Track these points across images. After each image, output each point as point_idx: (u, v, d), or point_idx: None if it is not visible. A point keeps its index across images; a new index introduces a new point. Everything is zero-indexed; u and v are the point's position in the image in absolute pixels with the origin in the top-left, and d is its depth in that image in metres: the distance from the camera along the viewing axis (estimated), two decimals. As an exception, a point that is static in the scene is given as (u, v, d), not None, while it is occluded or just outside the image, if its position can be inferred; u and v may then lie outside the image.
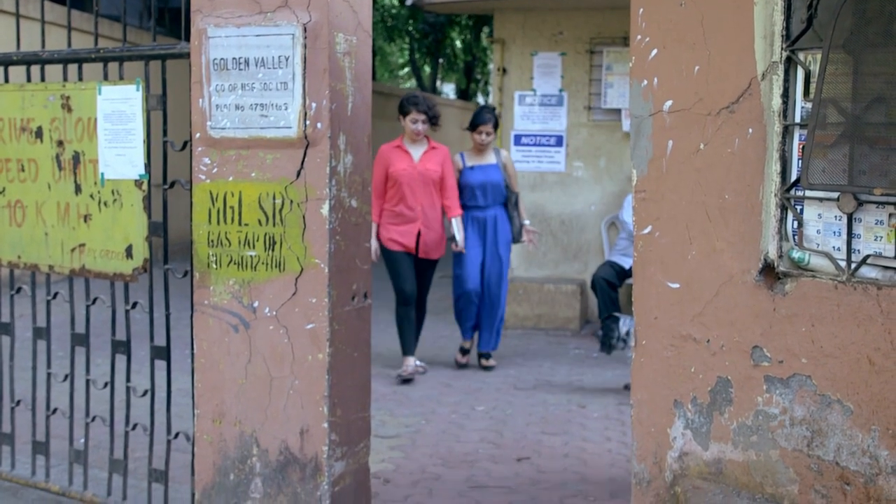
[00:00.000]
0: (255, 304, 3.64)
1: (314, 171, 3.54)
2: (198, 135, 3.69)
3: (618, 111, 9.34)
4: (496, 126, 7.67)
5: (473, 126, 7.62)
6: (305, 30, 3.49)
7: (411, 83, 31.02)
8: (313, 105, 3.51)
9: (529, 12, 9.49)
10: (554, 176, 9.56)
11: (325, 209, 3.54)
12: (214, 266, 3.69)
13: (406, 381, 7.17)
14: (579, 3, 9.11)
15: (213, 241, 3.69)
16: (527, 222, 7.87)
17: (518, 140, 9.53)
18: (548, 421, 6.02)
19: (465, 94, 28.95)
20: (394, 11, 22.89)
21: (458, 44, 26.78)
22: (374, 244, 7.09)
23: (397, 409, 6.30)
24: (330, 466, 3.61)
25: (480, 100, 30.41)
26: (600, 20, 9.35)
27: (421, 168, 7.29)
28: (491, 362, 7.74)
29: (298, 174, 3.56)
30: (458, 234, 7.42)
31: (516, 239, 7.77)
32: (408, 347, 7.41)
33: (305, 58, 3.49)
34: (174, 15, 13.10)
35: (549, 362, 7.85)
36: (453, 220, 7.45)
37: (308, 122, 3.52)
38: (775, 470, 2.78)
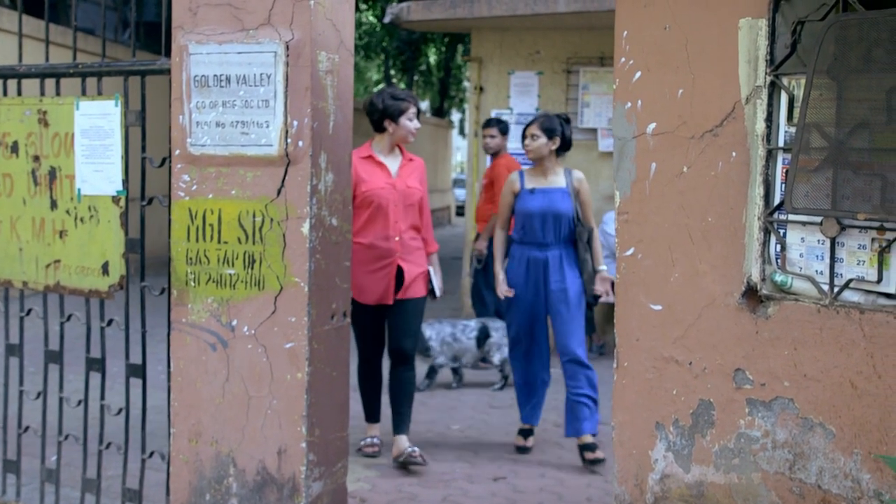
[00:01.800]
0: (234, 323, 3.60)
1: (295, 190, 3.52)
2: (177, 151, 3.66)
3: (594, 130, 9.37)
4: (553, 134, 5.60)
5: (525, 129, 5.73)
6: (288, 48, 3.47)
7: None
8: (295, 123, 3.49)
9: (507, 31, 9.52)
10: (530, 194, 9.55)
11: (305, 228, 3.52)
12: (193, 284, 3.66)
13: (374, 456, 5.60)
14: (557, 23, 9.15)
15: (191, 258, 3.66)
16: (603, 268, 5.68)
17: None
18: (524, 440, 6.01)
19: (439, 111, 29.02)
20: (369, 28, 22.94)
21: (433, 60, 26.85)
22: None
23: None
24: (308, 487, 3.58)
25: (455, 117, 30.49)
26: (577, 40, 9.39)
27: (401, 186, 5.36)
28: (598, 454, 5.46)
29: (279, 192, 3.54)
30: (437, 279, 5.62)
31: (587, 290, 5.68)
32: (372, 412, 5.74)
33: (288, 76, 3.48)
34: (150, 30, 13.04)
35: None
36: (430, 269, 5.58)
37: (290, 140, 3.50)
38: (757, 493, 2.78)
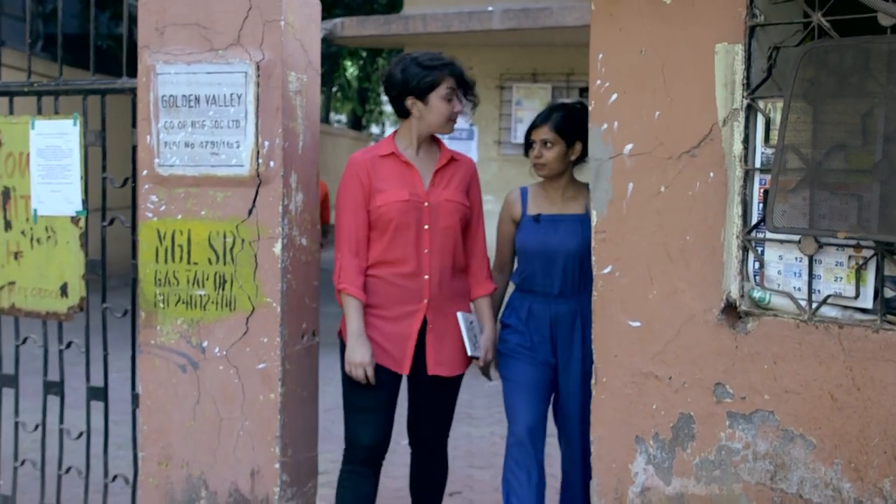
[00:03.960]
0: (205, 344, 3.58)
1: (266, 210, 3.51)
2: (145, 172, 3.62)
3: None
4: (574, 136, 3.81)
5: (528, 133, 3.92)
6: (259, 68, 3.47)
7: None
8: (266, 143, 3.49)
9: (440, 48, 9.54)
10: (463, 209, 9.64)
11: (277, 248, 3.51)
12: (162, 305, 3.62)
13: None
14: (490, 40, 9.25)
15: (160, 279, 3.62)
16: None
17: (428, 173, 9.61)
18: (474, 454, 6.04)
19: (357, 123, 28.99)
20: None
21: (353, 71, 26.82)
22: (363, 351, 3.51)
23: (323, 446, 6.22)
24: (281, 508, 3.56)
25: (374, 129, 30.48)
26: (510, 56, 9.51)
27: (437, 198, 3.63)
28: None
29: (250, 212, 3.53)
30: (469, 343, 3.71)
31: None
32: None
33: (259, 96, 3.48)
34: (107, 49, 12.72)
35: (466, 394, 7.86)
36: (464, 315, 3.74)
37: (261, 161, 3.49)
38: (738, 503, 2.86)
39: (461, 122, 4.09)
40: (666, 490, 3.00)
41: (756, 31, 2.82)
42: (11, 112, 4.09)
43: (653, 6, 2.97)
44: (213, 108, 3.52)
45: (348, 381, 3.58)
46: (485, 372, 3.89)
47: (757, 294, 2.83)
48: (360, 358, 3.50)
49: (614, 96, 3.08)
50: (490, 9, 8.80)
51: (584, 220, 3.69)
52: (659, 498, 3.02)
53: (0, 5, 10.98)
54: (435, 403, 3.82)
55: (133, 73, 3.71)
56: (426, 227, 3.60)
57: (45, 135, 3.95)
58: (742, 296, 2.86)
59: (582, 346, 3.77)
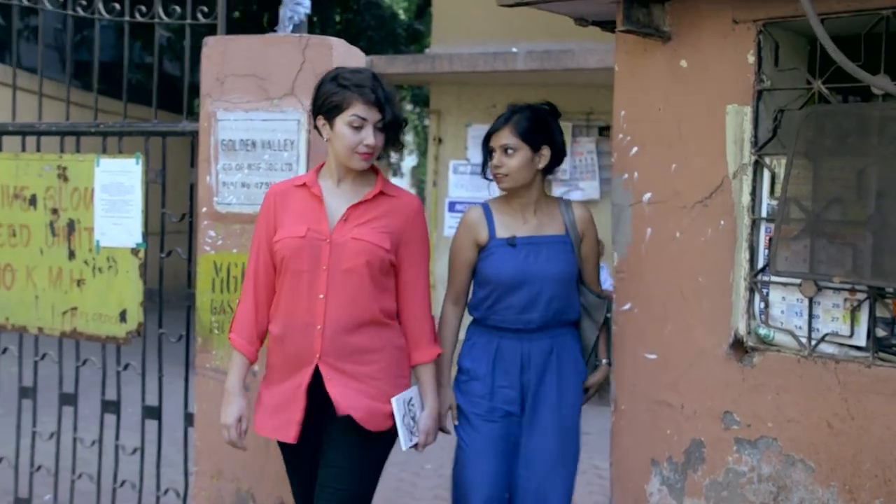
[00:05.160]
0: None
1: (314, 246, 3.83)
2: (204, 209, 3.95)
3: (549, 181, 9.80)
4: (540, 140, 3.44)
5: (486, 141, 3.52)
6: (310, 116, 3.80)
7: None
8: (315, 185, 3.80)
9: (465, 86, 9.94)
10: (485, 241, 9.95)
11: (323, 280, 3.82)
12: (217, 332, 3.94)
13: None
14: (513, 80, 9.59)
15: (216, 308, 3.94)
16: (604, 362, 3.57)
17: (452, 207, 9.92)
18: (495, 478, 6.31)
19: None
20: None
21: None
22: (229, 410, 3.24)
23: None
24: (322, 521, 3.85)
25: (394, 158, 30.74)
26: (532, 95, 9.68)
27: (341, 237, 3.11)
28: None
29: (300, 248, 3.84)
30: (404, 435, 3.18)
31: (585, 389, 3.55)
32: None
33: (310, 141, 3.81)
34: (168, 90, 13.17)
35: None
36: (399, 397, 3.16)
37: (310, 201, 3.80)
38: (744, 521, 3.15)
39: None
40: (678, 508, 3.30)
41: (763, 95, 3.13)
42: (78, 150, 4.44)
43: (671, 70, 3.29)
44: (267, 152, 3.86)
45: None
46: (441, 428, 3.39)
47: (762, 331, 3.13)
48: (224, 418, 3.21)
49: (635, 149, 3.40)
50: (514, 50, 9.14)
51: (566, 241, 3.38)
52: (671, 516, 3.31)
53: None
54: (344, 461, 3.13)
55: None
56: (324, 268, 3.08)
57: (110, 172, 4.29)
58: (749, 332, 3.16)
59: (561, 388, 3.37)
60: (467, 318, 3.56)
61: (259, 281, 3.20)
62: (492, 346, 3.39)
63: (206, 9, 4.10)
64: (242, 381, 3.23)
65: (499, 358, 3.38)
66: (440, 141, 10.06)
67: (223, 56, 3.91)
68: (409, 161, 29.92)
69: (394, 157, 3.36)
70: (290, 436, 3.14)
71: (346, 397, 3.09)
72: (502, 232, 3.40)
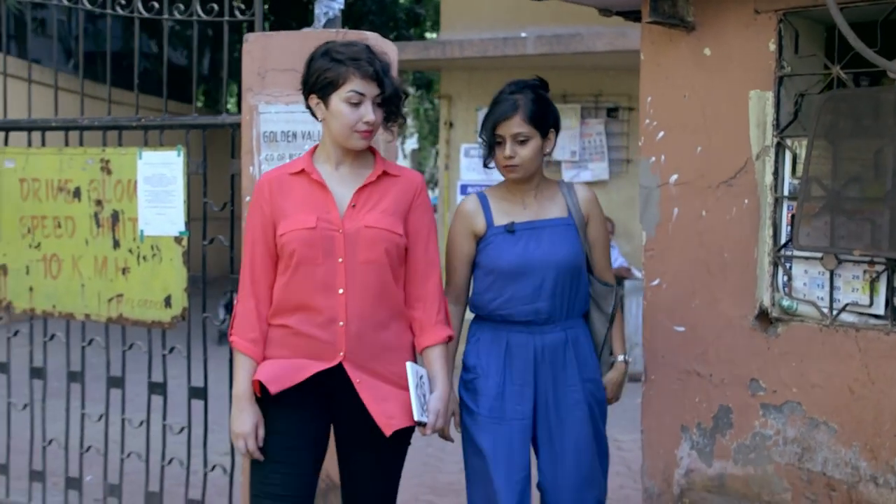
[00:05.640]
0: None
1: (354, 231, 4.02)
2: (247, 198, 4.14)
3: (558, 163, 9.98)
4: (547, 126, 3.18)
5: (491, 129, 3.15)
6: (348, 107, 3.97)
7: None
8: (353, 173, 3.99)
9: (475, 71, 10.11)
10: (497, 223, 10.13)
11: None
12: (262, 314, 4.13)
13: None
14: (522, 64, 9.75)
15: (260, 292, 4.12)
16: (620, 358, 3.27)
17: (464, 190, 10.10)
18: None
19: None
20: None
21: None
22: (244, 418, 2.92)
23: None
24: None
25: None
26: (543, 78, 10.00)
27: (353, 225, 2.88)
28: None
29: (340, 233, 4.03)
30: (417, 404, 2.87)
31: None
32: None
33: (348, 131, 3.97)
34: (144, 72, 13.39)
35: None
36: (416, 367, 2.92)
37: (350, 188, 3.98)
38: (771, 481, 3.35)
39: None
40: (708, 472, 3.50)
41: (784, 81, 3.32)
42: (120, 144, 4.63)
43: (695, 57, 3.48)
44: (308, 143, 4.04)
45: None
46: (442, 434, 3.07)
47: (786, 303, 3.33)
48: (239, 427, 2.92)
49: (661, 133, 3.58)
50: (524, 35, 9.31)
51: (570, 224, 3.13)
52: (702, 478, 3.51)
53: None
54: (375, 465, 3.08)
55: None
56: (340, 260, 2.85)
57: (152, 164, 4.47)
58: (773, 304, 3.36)
59: (578, 383, 3.11)
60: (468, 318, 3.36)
61: (257, 278, 2.94)
62: (501, 342, 3.10)
63: (242, 6, 4.27)
64: (250, 384, 2.91)
65: (509, 355, 3.09)
66: (451, 125, 10.23)
67: (263, 52, 4.09)
68: (409, 144, 30.10)
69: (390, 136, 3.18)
70: (297, 378, 2.84)
71: (384, 413, 2.84)
72: (500, 219, 3.13)
